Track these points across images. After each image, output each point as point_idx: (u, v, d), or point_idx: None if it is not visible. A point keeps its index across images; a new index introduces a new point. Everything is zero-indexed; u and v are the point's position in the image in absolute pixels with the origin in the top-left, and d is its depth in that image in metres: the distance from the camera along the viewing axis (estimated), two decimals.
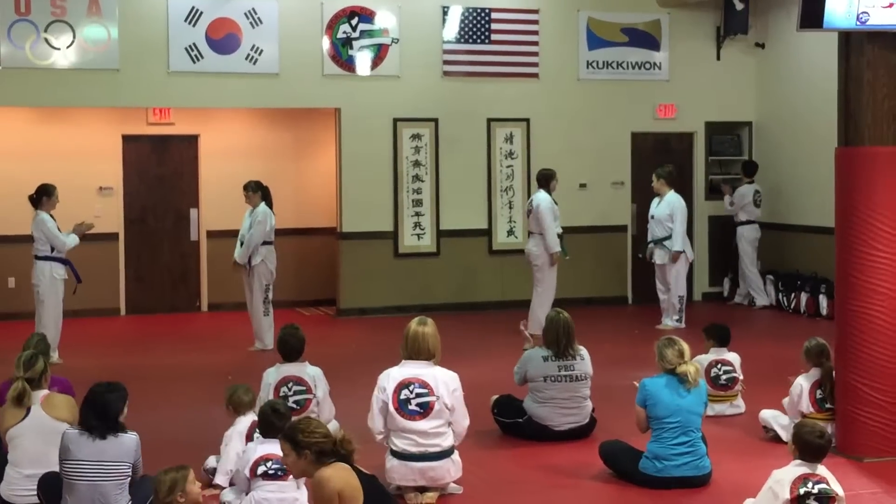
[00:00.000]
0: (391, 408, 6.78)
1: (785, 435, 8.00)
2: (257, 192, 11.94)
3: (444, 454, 6.85)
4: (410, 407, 6.78)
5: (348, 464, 5.17)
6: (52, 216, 11.34)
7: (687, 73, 15.47)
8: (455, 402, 6.88)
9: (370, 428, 6.88)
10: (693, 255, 13.56)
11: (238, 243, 11.97)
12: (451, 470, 6.89)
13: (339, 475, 5.08)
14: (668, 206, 13.10)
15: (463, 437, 7.05)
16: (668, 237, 13.12)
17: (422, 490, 6.87)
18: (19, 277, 13.46)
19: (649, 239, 13.36)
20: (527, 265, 12.72)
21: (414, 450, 6.78)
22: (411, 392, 6.79)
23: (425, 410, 6.79)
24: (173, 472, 5.42)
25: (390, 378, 6.87)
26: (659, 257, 13.19)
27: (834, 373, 7.86)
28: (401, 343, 7.00)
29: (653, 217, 13.26)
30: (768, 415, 8.31)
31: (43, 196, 11.36)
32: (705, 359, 8.93)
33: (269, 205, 11.95)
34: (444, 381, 6.87)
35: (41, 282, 11.24)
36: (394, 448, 6.83)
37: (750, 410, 8.84)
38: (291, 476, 6.00)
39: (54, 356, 10.69)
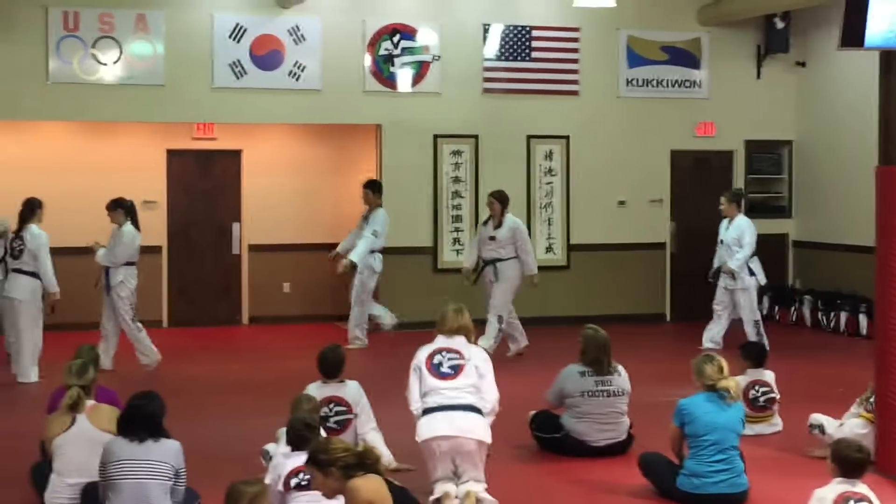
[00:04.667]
0: (424, 370, 7.15)
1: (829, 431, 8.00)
2: (116, 209, 11.52)
3: (474, 409, 7.06)
4: (443, 369, 7.16)
5: (378, 475, 5.25)
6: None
7: (727, 92, 15.46)
8: (485, 370, 7.20)
9: (408, 400, 7.18)
10: (763, 280, 12.85)
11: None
12: (479, 425, 7.03)
13: (369, 485, 5.16)
14: (737, 229, 12.64)
15: (493, 411, 7.20)
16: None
17: None
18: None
19: (717, 263, 12.89)
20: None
21: (444, 402, 7.04)
22: (444, 357, 7.20)
23: (456, 371, 7.15)
24: (255, 485, 5.34)
25: (424, 349, 7.30)
26: (727, 283, 12.77)
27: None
28: (437, 322, 7.39)
29: (721, 242, 12.79)
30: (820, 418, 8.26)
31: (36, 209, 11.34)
32: (742, 380, 8.87)
33: (136, 224, 11.60)
34: (475, 351, 7.29)
35: None
36: (426, 406, 7.08)
37: (787, 428, 8.84)
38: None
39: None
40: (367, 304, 13.19)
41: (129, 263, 11.55)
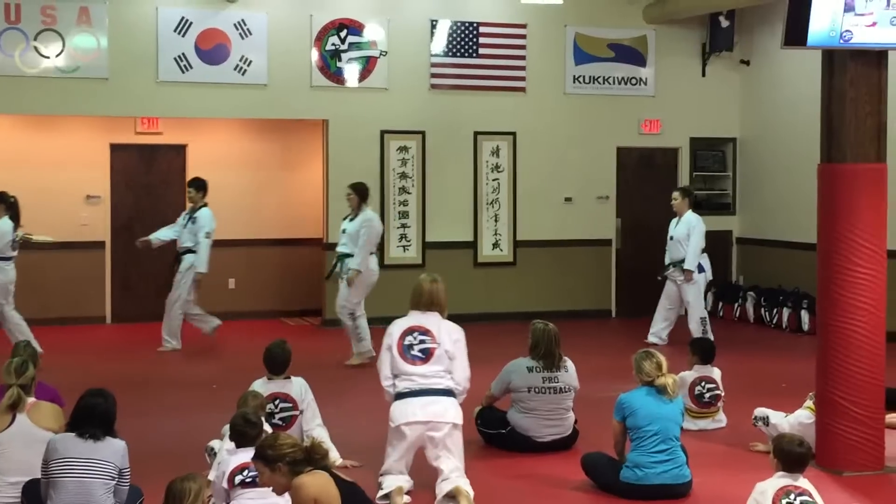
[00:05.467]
0: (395, 352, 7.10)
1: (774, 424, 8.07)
2: None
3: (445, 392, 7.07)
4: (413, 352, 7.12)
5: (326, 471, 5.23)
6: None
7: (672, 89, 15.58)
8: (456, 351, 7.17)
9: (379, 375, 7.17)
10: (710, 275, 12.95)
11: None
12: (451, 409, 7.05)
13: (314, 482, 5.14)
14: (685, 225, 12.67)
15: (465, 391, 7.23)
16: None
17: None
18: None
19: (668, 260, 12.90)
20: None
21: (416, 387, 7.04)
22: (415, 339, 7.14)
23: (426, 356, 7.10)
24: (196, 480, 5.32)
25: (397, 325, 7.22)
26: (678, 279, 12.74)
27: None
28: (411, 297, 7.32)
29: (671, 238, 12.81)
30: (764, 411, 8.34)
31: None
32: (689, 375, 8.96)
33: (16, 220, 11.37)
34: (447, 331, 7.21)
35: None
36: (398, 391, 7.08)
37: (731, 423, 8.93)
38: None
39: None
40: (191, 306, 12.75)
41: (3, 258, 11.31)
